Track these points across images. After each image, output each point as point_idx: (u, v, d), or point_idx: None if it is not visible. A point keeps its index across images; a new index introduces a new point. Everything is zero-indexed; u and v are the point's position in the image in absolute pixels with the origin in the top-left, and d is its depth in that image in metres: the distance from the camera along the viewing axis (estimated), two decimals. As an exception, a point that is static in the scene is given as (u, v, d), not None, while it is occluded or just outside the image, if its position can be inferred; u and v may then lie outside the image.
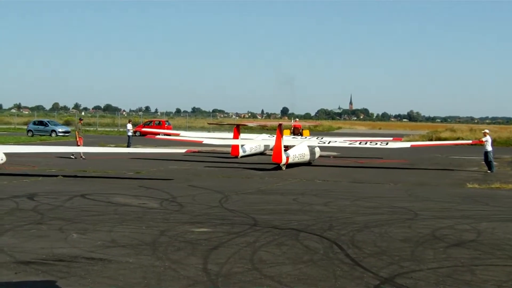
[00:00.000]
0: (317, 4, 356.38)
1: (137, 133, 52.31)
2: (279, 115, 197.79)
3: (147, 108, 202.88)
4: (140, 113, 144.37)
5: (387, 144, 28.48)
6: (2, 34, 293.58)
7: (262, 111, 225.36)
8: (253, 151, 31.72)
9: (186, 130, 59.56)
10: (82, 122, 32.26)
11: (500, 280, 7.87)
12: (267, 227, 11.30)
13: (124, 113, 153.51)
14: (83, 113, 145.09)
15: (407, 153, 34.17)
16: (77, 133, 29.60)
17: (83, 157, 28.19)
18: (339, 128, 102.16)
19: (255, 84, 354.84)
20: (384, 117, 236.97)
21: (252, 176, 21.81)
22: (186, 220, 12.01)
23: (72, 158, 27.88)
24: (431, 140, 51.58)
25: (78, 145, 28.73)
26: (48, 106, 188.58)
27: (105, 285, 7.37)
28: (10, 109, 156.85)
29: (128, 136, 36.16)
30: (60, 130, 54.32)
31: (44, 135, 52.23)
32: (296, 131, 34.42)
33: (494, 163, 25.12)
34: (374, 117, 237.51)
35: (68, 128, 58.32)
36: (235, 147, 30.08)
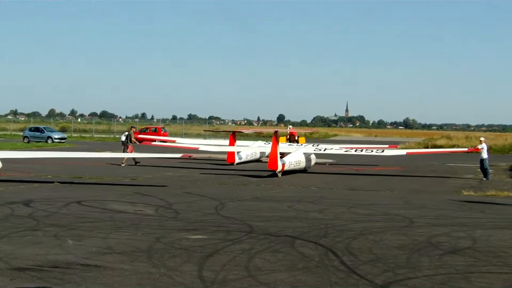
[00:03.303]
0: (313, 10, 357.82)
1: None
2: (275, 122, 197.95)
3: (143, 114, 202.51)
4: (136, 119, 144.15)
5: (383, 151, 28.54)
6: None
7: (258, 118, 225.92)
8: (249, 158, 31.74)
9: (182, 137, 59.68)
10: (134, 130, 32.25)
11: (495, 287, 7.89)
12: (262, 234, 11.30)
13: (120, 119, 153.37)
14: (79, 120, 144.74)
15: (403, 160, 34.25)
16: (133, 140, 29.85)
17: (124, 163, 28.92)
18: (335, 135, 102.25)
19: (251, 91, 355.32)
20: (380, 124, 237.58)
21: (248, 183, 21.82)
22: (181, 227, 12.01)
23: (138, 163, 28.91)
24: (427, 147, 51.70)
25: (126, 152, 29.17)
26: (44, 113, 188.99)
27: (100, 292, 7.36)
28: (6, 115, 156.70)
29: (122, 141, 35.97)
30: (56, 136, 54.21)
31: (40, 141, 52.12)
32: (292, 138, 34.44)
33: (490, 170, 25.21)
34: (370, 124, 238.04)
35: (65, 135, 58.23)
36: (231, 154, 30.10)
